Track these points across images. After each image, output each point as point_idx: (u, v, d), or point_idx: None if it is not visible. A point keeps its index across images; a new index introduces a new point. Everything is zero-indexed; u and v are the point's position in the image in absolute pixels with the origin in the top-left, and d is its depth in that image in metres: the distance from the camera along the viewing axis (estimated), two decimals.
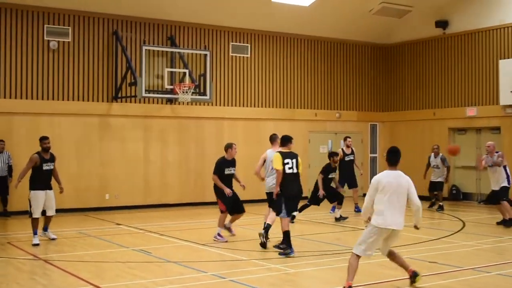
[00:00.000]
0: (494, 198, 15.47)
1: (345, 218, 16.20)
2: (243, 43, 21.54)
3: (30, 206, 12.66)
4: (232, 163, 13.18)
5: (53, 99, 18.24)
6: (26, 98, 17.89)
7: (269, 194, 12.42)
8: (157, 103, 19.76)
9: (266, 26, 21.69)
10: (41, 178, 12.71)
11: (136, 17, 19.44)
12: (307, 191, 21.57)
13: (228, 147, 13.20)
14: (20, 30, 17.88)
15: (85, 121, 18.68)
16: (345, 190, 17.92)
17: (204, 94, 18.83)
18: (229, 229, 13.45)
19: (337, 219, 16.16)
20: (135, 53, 19.12)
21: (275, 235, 12.25)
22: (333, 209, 17.08)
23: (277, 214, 11.50)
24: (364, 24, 22.97)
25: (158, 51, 19.11)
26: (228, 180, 13.08)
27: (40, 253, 11.52)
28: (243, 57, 21.54)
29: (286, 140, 11.60)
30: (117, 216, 17.55)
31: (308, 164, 22.05)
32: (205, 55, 19.04)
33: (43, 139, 12.89)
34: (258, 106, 21.74)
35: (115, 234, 14.16)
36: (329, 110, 23.39)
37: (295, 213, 14.77)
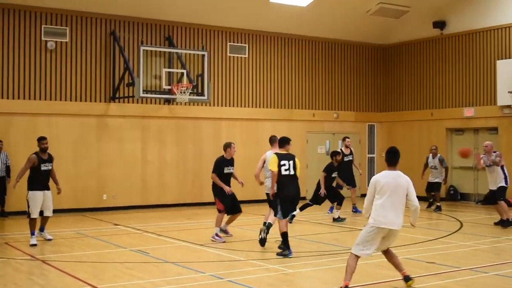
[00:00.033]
0: (492, 198, 15.48)
1: (343, 219, 16.18)
2: (241, 43, 21.54)
3: (28, 207, 12.65)
4: (231, 162, 13.21)
5: (50, 99, 18.22)
6: (24, 98, 17.87)
7: (269, 194, 12.42)
8: (155, 103, 19.76)
9: (264, 27, 21.69)
10: (39, 179, 12.70)
11: (133, 17, 19.44)
12: (305, 191, 21.68)
13: (227, 146, 13.21)
14: (17, 30, 17.86)
15: (83, 121, 18.66)
16: (349, 187, 17.95)
17: (202, 94, 18.83)
18: (225, 231, 13.44)
19: (335, 220, 16.16)
20: (133, 54, 19.11)
21: (274, 236, 12.24)
22: (331, 209, 17.10)
23: (275, 215, 11.50)
24: (361, 25, 22.98)
25: (155, 51, 19.09)
26: (227, 179, 13.11)
27: (38, 254, 11.51)
28: (241, 57, 21.54)
29: (284, 142, 11.58)
30: (115, 216, 17.53)
31: (306, 164, 22.05)
32: (203, 55, 19.03)
33: (41, 140, 12.89)
34: (255, 107, 21.74)
35: (112, 234, 14.15)
36: (327, 111, 23.40)
37: (295, 213, 14.82)
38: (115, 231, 14.78)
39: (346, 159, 18.10)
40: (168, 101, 19.68)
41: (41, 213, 12.84)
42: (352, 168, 18.51)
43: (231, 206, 13.10)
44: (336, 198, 16.21)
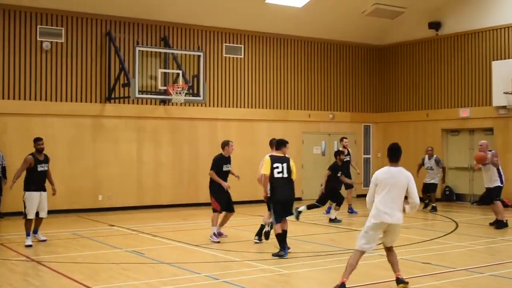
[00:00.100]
0: (488, 198, 15.49)
1: (339, 220, 16.17)
2: (237, 44, 21.54)
3: (25, 207, 12.63)
4: (228, 160, 13.27)
5: (46, 100, 18.19)
6: (19, 98, 17.83)
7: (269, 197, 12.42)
8: (151, 104, 19.74)
9: (260, 27, 21.69)
10: (36, 179, 12.69)
11: (129, 18, 19.41)
12: (300, 192, 21.71)
13: (225, 144, 13.25)
14: (13, 31, 17.82)
15: (78, 122, 18.63)
16: (351, 181, 17.95)
17: (198, 95, 18.83)
18: (219, 233, 13.42)
19: (331, 220, 16.14)
20: (128, 54, 19.08)
21: (272, 236, 12.24)
22: (329, 210, 17.08)
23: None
24: (357, 25, 23.00)
25: (151, 52, 19.10)
26: (225, 177, 13.15)
27: (33, 255, 11.48)
28: (237, 58, 21.53)
29: (280, 144, 11.56)
30: (110, 217, 17.51)
31: (301, 165, 22.07)
32: (199, 56, 19.04)
33: (37, 140, 12.87)
34: (251, 107, 21.73)
35: (108, 235, 14.13)
36: (322, 111, 23.41)
37: (301, 208, 14.90)
38: (111, 231, 14.76)
39: (344, 159, 18.09)
40: (163, 102, 19.67)
41: (36, 214, 12.80)
42: (350, 169, 18.52)
43: (226, 204, 13.12)
44: (336, 199, 16.22)
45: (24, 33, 17.95)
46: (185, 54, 19.46)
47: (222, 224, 13.46)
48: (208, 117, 20.71)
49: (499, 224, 14.86)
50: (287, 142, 11.63)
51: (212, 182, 13.14)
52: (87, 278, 9.32)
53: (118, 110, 19.22)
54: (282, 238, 11.14)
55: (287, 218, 11.51)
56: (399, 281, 8.42)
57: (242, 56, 21.64)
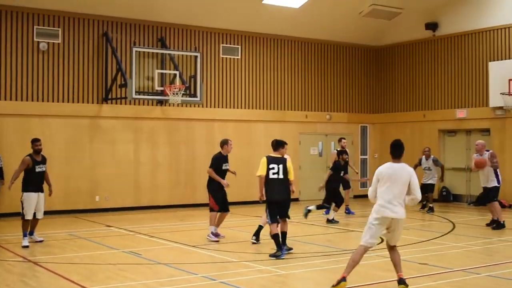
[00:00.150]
0: (485, 198, 15.49)
1: (336, 221, 16.17)
2: (234, 44, 21.53)
3: (23, 208, 12.62)
4: (227, 159, 13.29)
5: (43, 100, 18.16)
6: (16, 99, 17.81)
7: None
8: (147, 104, 19.72)
9: (257, 28, 21.69)
10: (34, 180, 12.68)
11: (126, 19, 19.40)
12: (297, 192, 21.69)
13: (224, 143, 13.26)
14: (9, 31, 17.80)
15: (75, 122, 18.61)
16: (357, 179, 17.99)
17: (195, 95, 18.82)
18: (216, 234, 13.42)
19: (329, 221, 16.13)
20: (125, 55, 19.07)
21: (266, 236, 12.24)
22: (328, 211, 17.07)
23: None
24: (354, 26, 23.01)
25: (148, 52, 19.07)
26: (223, 175, 13.17)
27: (30, 255, 11.46)
28: (234, 58, 21.53)
29: (277, 145, 11.56)
30: (107, 217, 17.49)
31: (299, 165, 22.06)
32: (196, 56, 19.03)
33: (35, 141, 12.86)
34: (248, 108, 21.73)
35: (105, 236, 14.12)
36: (319, 112, 23.42)
37: (311, 208, 15.02)
38: (108, 232, 14.74)
39: (346, 159, 18.11)
40: (160, 102, 19.66)
41: (33, 215, 12.79)
42: (348, 169, 18.52)
43: (221, 204, 13.13)
44: (336, 200, 16.25)
45: (20, 34, 17.93)
46: (182, 55, 19.45)
47: (217, 224, 13.45)
48: (205, 118, 20.70)
49: (497, 225, 14.87)
50: (285, 143, 11.64)
51: (211, 181, 13.15)
52: (84, 279, 9.31)
53: (115, 110, 19.20)
54: (279, 239, 11.13)
55: (287, 220, 11.52)
56: (400, 281, 8.43)
57: (239, 57, 21.63)
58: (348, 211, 18.16)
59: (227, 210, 13.38)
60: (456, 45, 21.93)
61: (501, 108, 19.90)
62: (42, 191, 12.84)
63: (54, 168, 16.54)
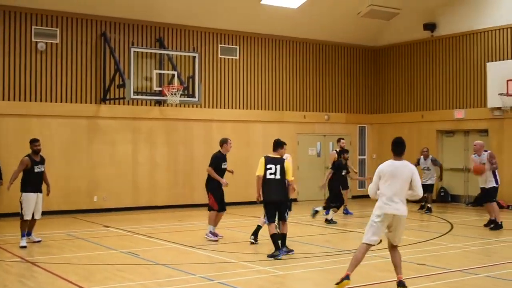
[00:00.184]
0: (483, 199, 15.50)
1: (335, 222, 16.17)
2: (232, 45, 21.53)
3: (22, 209, 12.60)
4: (226, 158, 13.26)
5: (41, 100, 18.14)
6: (14, 99, 17.79)
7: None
8: (146, 105, 19.71)
9: (255, 28, 21.69)
10: (33, 181, 12.68)
11: (124, 19, 19.39)
12: (296, 193, 21.65)
13: (224, 142, 13.27)
14: (7, 31, 17.78)
15: (74, 123, 18.59)
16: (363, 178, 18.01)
17: (193, 96, 18.82)
18: (215, 234, 13.42)
19: (327, 221, 16.12)
20: (124, 55, 19.06)
21: (265, 236, 12.23)
22: (328, 211, 17.06)
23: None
24: (352, 27, 23.02)
25: (146, 53, 19.08)
26: (222, 175, 13.17)
27: (28, 256, 11.45)
28: (232, 59, 21.53)
29: (276, 145, 11.55)
30: (106, 218, 17.48)
31: (297, 166, 22.03)
32: (194, 57, 19.03)
33: (34, 141, 12.85)
34: (246, 108, 21.73)
35: (103, 236, 14.11)
36: (317, 112, 23.42)
37: (318, 209, 15.21)
38: (106, 232, 14.74)
39: (348, 158, 18.13)
40: (159, 103, 19.65)
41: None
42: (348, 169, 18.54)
43: (219, 202, 13.14)
44: (337, 200, 16.29)
45: (19, 34, 17.91)
46: (180, 55, 19.45)
47: (215, 224, 13.45)
48: (203, 118, 20.69)
49: (495, 226, 14.87)
50: (284, 144, 11.64)
51: (210, 180, 13.14)
52: (82, 279, 9.30)
53: (113, 111, 19.19)
54: (277, 238, 11.13)
55: (286, 221, 11.52)
56: (400, 284, 8.43)
57: (237, 57, 21.63)
58: (346, 212, 18.17)
59: (223, 210, 13.39)
60: (454, 45, 21.95)
61: (499, 108, 19.91)
62: (41, 191, 12.84)
63: (52, 168, 16.49)
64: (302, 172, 22.29)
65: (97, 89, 19.01)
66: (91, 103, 18.91)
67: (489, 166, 14.99)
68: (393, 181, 8.40)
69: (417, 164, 19.01)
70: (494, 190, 15.15)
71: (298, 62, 23.01)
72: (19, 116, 17.72)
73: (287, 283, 9.50)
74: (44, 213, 13.20)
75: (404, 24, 23.21)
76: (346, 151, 17.01)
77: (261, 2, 20.33)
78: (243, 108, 21.64)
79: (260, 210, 12.46)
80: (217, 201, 13.07)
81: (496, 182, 15.12)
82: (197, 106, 20.38)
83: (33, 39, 18.07)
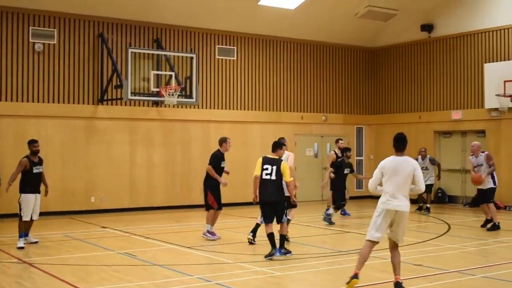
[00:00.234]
0: (480, 200, 15.52)
1: (332, 223, 16.15)
2: (229, 46, 21.53)
3: (20, 209, 12.59)
4: (224, 157, 13.27)
5: (38, 101, 18.12)
6: (11, 100, 17.76)
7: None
8: (143, 105, 19.69)
9: (252, 29, 21.69)
10: (31, 182, 12.67)
11: (122, 20, 19.37)
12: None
13: (223, 141, 13.29)
14: (5, 32, 17.75)
15: (71, 123, 18.57)
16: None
17: (190, 96, 18.81)
18: (212, 234, 13.42)
19: (326, 219, 16.06)
20: (121, 56, 19.04)
21: (262, 237, 12.23)
22: (328, 209, 17.05)
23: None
24: (350, 28, 23.03)
25: (144, 53, 19.06)
26: (221, 174, 13.18)
27: (25, 257, 11.43)
28: (229, 60, 21.53)
29: (275, 146, 11.55)
30: (103, 219, 17.46)
31: (295, 167, 21.95)
32: (191, 57, 19.02)
33: (33, 142, 12.83)
34: (244, 109, 21.72)
35: (100, 237, 14.10)
36: (315, 113, 23.42)
37: (330, 212, 15.54)
38: (103, 233, 14.73)
39: (350, 156, 18.11)
40: (156, 104, 19.63)
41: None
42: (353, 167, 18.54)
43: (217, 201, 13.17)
44: (337, 201, 16.31)
45: (16, 35, 17.88)
46: (178, 56, 19.44)
47: (213, 223, 13.45)
48: (201, 119, 20.68)
49: (493, 226, 14.88)
50: (283, 145, 11.66)
51: (208, 178, 13.14)
52: (79, 280, 9.29)
53: (110, 111, 19.18)
54: (273, 238, 11.13)
55: (284, 222, 11.51)
56: (397, 285, 8.43)
57: (235, 58, 21.63)
58: (343, 212, 18.15)
59: (220, 208, 13.41)
60: (451, 46, 21.97)
61: (496, 109, 19.93)
62: (39, 192, 12.84)
63: (49, 169, 16.47)
64: (299, 173, 22.16)
65: (94, 90, 19.00)
66: (88, 104, 18.89)
67: (487, 169, 14.99)
68: (396, 177, 8.42)
69: None
70: (492, 191, 15.17)
71: (295, 63, 23.01)
72: (16, 117, 17.69)
73: (284, 284, 9.50)
74: (41, 214, 13.18)
75: (401, 25, 23.23)
76: (349, 149, 17.02)
77: (259, 3, 20.34)
78: (240, 109, 21.64)
79: (257, 211, 12.45)
80: (216, 198, 13.09)
81: (494, 183, 15.14)
82: (194, 107, 20.37)
83: (30, 40, 18.05)
